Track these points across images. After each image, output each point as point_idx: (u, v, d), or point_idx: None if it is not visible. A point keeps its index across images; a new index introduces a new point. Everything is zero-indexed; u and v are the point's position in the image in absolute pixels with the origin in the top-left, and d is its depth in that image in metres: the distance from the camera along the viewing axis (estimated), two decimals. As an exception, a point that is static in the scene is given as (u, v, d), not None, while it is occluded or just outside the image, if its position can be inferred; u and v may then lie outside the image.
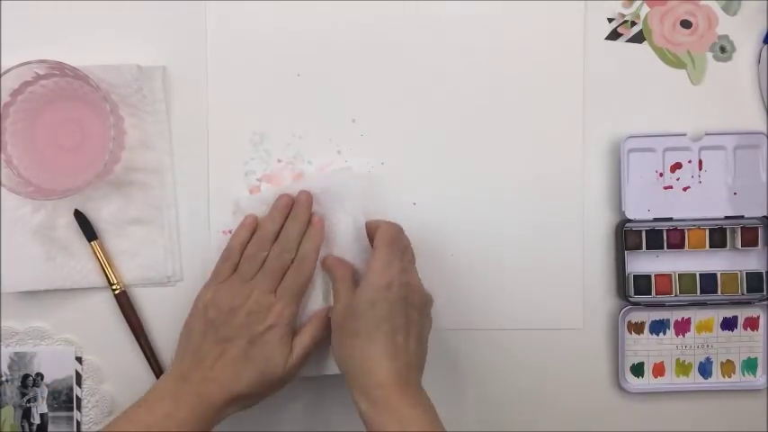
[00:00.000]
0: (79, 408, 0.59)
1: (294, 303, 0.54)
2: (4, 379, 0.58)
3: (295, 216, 0.56)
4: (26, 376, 0.58)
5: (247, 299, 0.53)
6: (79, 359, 0.59)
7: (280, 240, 0.55)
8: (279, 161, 0.60)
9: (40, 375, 0.58)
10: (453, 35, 0.60)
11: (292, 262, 0.54)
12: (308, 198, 0.56)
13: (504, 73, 0.60)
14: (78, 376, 0.59)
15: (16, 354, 0.58)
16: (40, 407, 0.58)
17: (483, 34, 0.60)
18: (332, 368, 0.55)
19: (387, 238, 0.52)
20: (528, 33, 0.60)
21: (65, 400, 0.58)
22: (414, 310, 0.51)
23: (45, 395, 0.58)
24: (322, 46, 0.60)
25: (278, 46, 0.60)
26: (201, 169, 0.60)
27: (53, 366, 0.58)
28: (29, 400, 0.58)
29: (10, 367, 0.58)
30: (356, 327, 0.50)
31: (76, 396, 0.59)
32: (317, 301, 0.57)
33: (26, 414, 0.58)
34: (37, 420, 0.58)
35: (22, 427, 0.58)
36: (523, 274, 0.61)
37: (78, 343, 0.60)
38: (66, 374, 0.58)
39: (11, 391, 0.58)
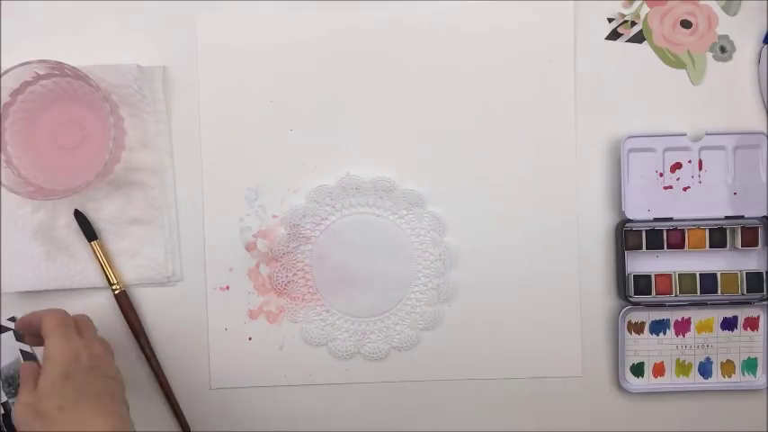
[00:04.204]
0: None
1: None
2: None
3: None
4: None
5: None
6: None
7: None
8: (274, 217, 0.60)
9: None
10: (446, 76, 0.60)
11: None
12: None
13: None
14: (31, 357, 0.57)
15: None
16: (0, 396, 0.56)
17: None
18: None
19: (54, 323, 0.51)
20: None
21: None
22: (110, 379, 0.51)
23: None
24: (314, 100, 0.60)
25: (271, 101, 0.60)
26: (201, 169, 0.60)
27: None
28: None
29: None
30: (57, 402, 0.48)
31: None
32: None
33: None
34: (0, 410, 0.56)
35: None
36: (525, 307, 0.61)
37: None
38: (12, 359, 0.57)
39: None
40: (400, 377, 0.61)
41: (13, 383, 0.57)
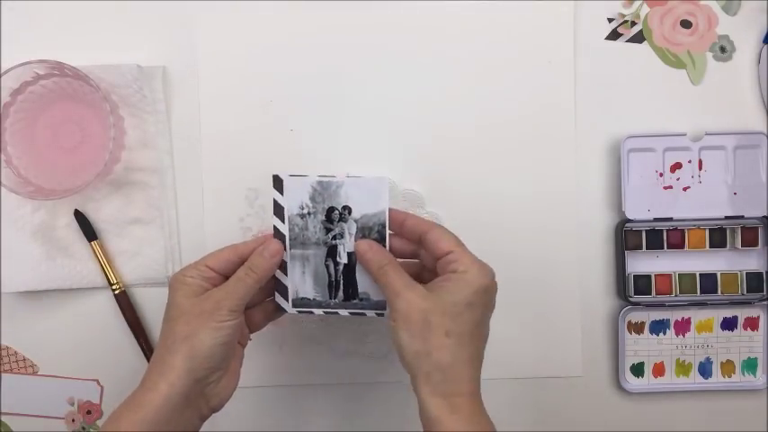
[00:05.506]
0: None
1: (230, 291, 0.48)
2: (306, 212, 0.51)
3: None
4: (331, 209, 0.51)
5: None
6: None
7: None
8: None
9: (347, 209, 0.50)
10: (446, 77, 0.60)
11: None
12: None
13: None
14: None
15: (320, 183, 0.50)
16: (348, 245, 0.51)
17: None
18: None
19: (460, 240, 0.49)
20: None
21: (376, 238, 0.50)
22: (486, 333, 0.48)
23: (353, 231, 0.51)
24: (314, 100, 0.60)
25: (271, 101, 0.60)
26: (201, 169, 0.60)
27: (363, 199, 0.50)
28: (334, 237, 0.51)
29: (313, 198, 0.50)
30: (448, 326, 0.45)
31: (387, 232, 0.50)
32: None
33: (331, 253, 0.51)
34: (344, 260, 0.51)
35: (327, 266, 0.51)
36: (525, 307, 0.61)
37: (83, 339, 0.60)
38: (377, 209, 0.50)
39: (313, 225, 0.51)
40: (400, 377, 0.61)
41: (368, 235, 0.51)
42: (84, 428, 0.61)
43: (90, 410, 0.61)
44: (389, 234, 0.51)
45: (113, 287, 0.59)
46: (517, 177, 0.61)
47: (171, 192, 0.60)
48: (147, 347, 0.60)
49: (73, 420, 0.61)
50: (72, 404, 0.61)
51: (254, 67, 0.60)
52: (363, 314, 0.52)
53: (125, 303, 0.59)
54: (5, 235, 0.59)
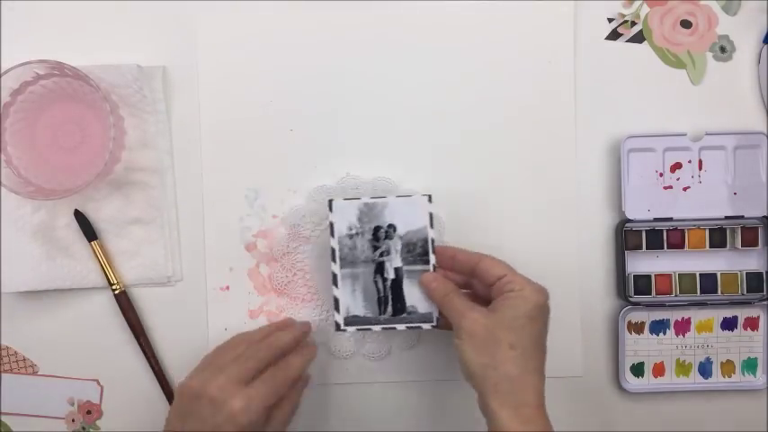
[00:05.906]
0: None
1: (265, 397, 0.49)
2: (354, 232, 0.55)
3: (288, 330, 0.55)
4: (378, 228, 0.55)
5: (211, 385, 0.49)
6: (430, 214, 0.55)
7: (266, 340, 0.53)
8: (274, 217, 0.60)
9: (392, 227, 0.55)
10: (446, 77, 0.60)
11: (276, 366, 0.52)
12: (307, 326, 0.58)
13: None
14: (431, 220, 0.54)
15: (366, 204, 0.55)
16: (394, 261, 0.55)
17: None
18: None
19: (510, 267, 0.52)
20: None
21: (420, 252, 0.54)
22: (542, 363, 0.51)
23: (399, 248, 0.55)
24: (314, 100, 0.60)
25: (271, 101, 0.60)
26: (201, 169, 0.60)
27: (406, 217, 0.54)
28: (381, 254, 0.55)
29: (360, 219, 0.55)
30: (512, 339, 0.48)
31: (431, 245, 0.54)
32: None
33: (379, 269, 0.55)
34: (391, 275, 0.55)
35: (375, 283, 0.55)
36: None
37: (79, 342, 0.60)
38: (419, 225, 0.54)
39: (361, 244, 0.55)
40: (400, 377, 0.61)
41: (412, 251, 0.54)
42: (84, 428, 0.61)
43: (90, 410, 0.61)
44: (435, 264, 0.54)
45: (113, 287, 0.59)
46: (517, 177, 0.61)
47: (171, 192, 0.60)
48: (147, 347, 0.60)
49: (73, 420, 0.61)
50: (72, 404, 0.61)
51: (254, 67, 0.60)
52: (419, 327, 0.55)
53: (125, 303, 0.59)
54: (5, 235, 0.59)
